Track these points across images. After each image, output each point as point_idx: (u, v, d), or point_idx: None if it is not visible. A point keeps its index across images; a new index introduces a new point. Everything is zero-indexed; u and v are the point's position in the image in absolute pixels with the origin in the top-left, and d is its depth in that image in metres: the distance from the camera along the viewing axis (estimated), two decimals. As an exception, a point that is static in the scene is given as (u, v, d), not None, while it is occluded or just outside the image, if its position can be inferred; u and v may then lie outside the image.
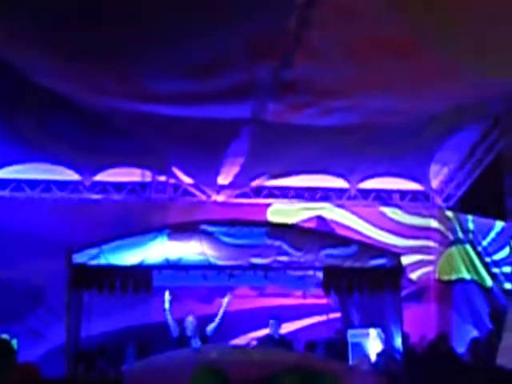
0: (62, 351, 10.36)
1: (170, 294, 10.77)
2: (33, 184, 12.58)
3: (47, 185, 12.61)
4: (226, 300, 11.01)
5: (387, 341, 10.58)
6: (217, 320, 10.85)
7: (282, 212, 13.24)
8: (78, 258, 10.15)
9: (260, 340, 11.27)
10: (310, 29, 7.37)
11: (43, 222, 12.41)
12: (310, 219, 13.38)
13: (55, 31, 7.36)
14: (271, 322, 11.04)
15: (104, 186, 12.71)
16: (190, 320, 10.65)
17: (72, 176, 12.47)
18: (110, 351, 10.17)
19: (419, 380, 7.50)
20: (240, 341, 12.00)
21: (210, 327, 10.80)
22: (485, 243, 12.75)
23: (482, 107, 10.63)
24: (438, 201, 13.68)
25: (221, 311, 10.92)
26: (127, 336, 11.36)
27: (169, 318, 10.74)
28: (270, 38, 7.54)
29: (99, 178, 12.55)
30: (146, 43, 7.78)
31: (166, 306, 10.70)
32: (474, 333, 12.01)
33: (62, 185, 12.62)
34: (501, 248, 12.39)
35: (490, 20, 7.07)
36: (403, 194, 13.74)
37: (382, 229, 13.66)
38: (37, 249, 11.96)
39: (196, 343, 10.33)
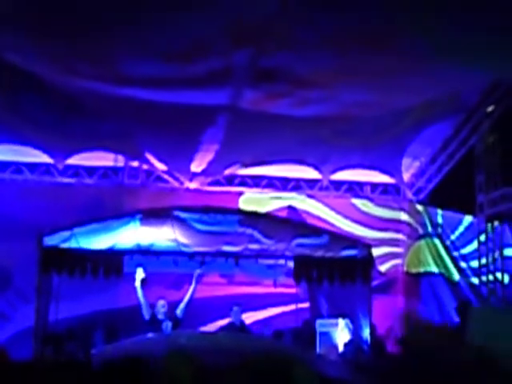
0: (29, 334, 10.26)
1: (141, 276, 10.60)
2: (3, 165, 12.41)
3: (18, 167, 12.46)
4: (195, 275, 10.66)
5: (355, 331, 10.64)
6: (185, 300, 10.63)
7: (253, 201, 13.25)
8: (49, 241, 10.06)
9: (222, 328, 11.24)
10: (289, 18, 7.40)
11: (13, 204, 12.24)
12: (281, 209, 13.41)
13: (29, 10, 7.30)
14: (234, 308, 10.96)
15: (76, 170, 12.62)
16: (161, 303, 10.56)
17: (44, 159, 12.35)
18: (79, 335, 10.11)
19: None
20: (208, 328, 12.00)
21: (180, 308, 10.65)
22: (453, 237, 12.88)
23: (456, 101, 10.74)
24: (409, 194, 13.77)
25: (190, 290, 10.67)
26: (96, 320, 11.31)
27: (140, 297, 10.51)
28: (248, 25, 7.55)
29: (71, 161, 12.45)
30: (123, 27, 7.75)
31: (137, 284, 10.46)
32: (440, 325, 12.14)
33: (34, 167, 12.49)
34: (469, 242, 12.53)
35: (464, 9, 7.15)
36: (374, 186, 13.80)
37: (352, 220, 13.72)
38: (6, 231, 11.82)
39: (167, 326, 10.29)
